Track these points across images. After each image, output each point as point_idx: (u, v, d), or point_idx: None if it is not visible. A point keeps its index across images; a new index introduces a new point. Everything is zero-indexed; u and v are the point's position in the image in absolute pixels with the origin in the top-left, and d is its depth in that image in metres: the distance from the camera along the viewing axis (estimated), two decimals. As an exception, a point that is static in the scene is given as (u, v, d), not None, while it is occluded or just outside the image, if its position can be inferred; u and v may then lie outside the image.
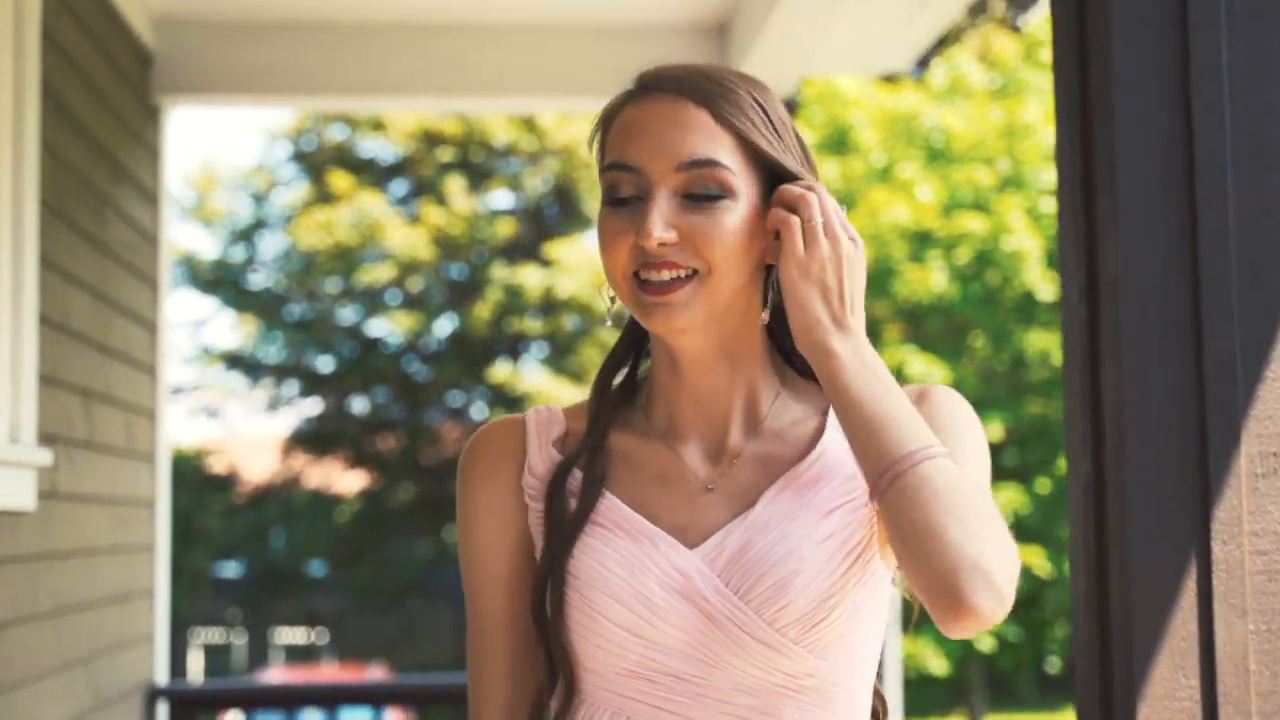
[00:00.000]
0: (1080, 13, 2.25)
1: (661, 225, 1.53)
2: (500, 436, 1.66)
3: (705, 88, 1.56)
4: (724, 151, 1.55)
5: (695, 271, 1.54)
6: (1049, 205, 13.90)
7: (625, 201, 1.56)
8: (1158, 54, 2.16)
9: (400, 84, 5.64)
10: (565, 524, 1.58)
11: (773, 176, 1.59)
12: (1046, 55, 14.93)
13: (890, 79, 15.11)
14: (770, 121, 1.59)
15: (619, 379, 1.71)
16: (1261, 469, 2.12)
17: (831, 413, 1.62)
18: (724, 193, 1.54)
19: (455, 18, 5.51)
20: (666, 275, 1.54)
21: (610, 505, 1.59)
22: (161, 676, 5.37)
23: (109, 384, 4.77)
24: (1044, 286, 13.63)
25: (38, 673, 3.98)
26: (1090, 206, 2.22)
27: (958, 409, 1.63)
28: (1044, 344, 13.80)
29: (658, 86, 1.58)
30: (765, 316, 1.61)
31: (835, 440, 1.61)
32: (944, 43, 16.04)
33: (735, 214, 1.55)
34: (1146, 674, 2.10)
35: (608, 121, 1.62)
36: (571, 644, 1.56)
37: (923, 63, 15.41)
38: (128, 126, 5.11)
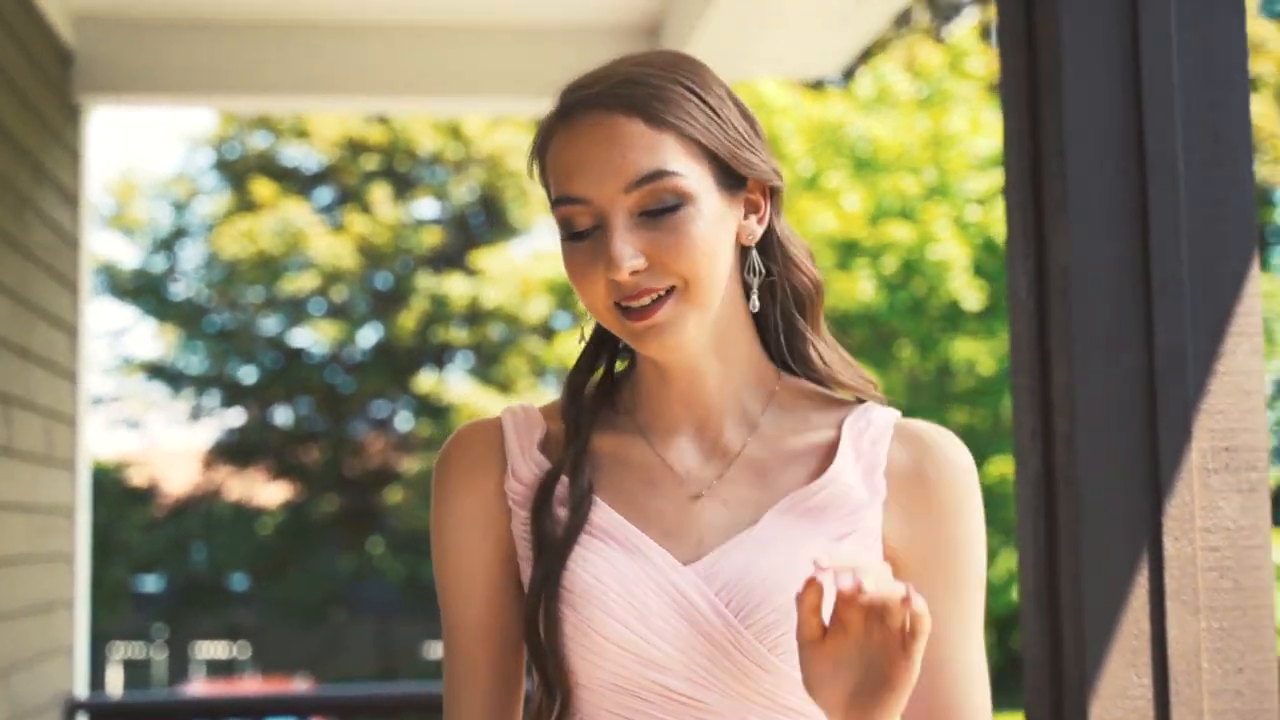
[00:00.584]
0: (1029, 4, 2.22)
1: (628, 254, 1.44)
2: (477, 441, 1.58)
3: (631, 94, 1.46)
4: (669, 157, 1.45)
5: (673, 287, 1.46)
6: (975, 214, 13.98)
7: (585, 234, 1.47)
8: (1108, 43, 2.13)
9: (326, 84, 5.56)
10: (558, 536, 1.50)
11: (723, 162, 1.50)
12: (971, 65, 15.04)
13: (819, 85, 15.16)
14: (707, 105, 1.49)
15: (595, 377, 1.63)
16: (1213, 464, 2.10)
17: (845, 432, 1.54)
18: (680, 200, 1.46)
19: (383, 18, 5.44)
20: (646, 300, 1.46)
21: (600, 513, 1.52)
22: (81, 689, 5.24)
23: (29, 389, 4.65)
24: (970, 295, 13.70)
25: (-47, 685, 3.86)
26: (1039, 197, 2.19)
27: (966, 499, 1.55)
28: (970, 352, 13.87)
29: (582, 103, 1.48)
30: (755, 304, 1.54)
31: (847, 465, 1.53)
32: (869, 53, 16.10)
33: (697, 218, 1.46)
34: (1098, 672, 2.07)
35: (542, 149, 1.53)
36: (566, 660, 1.49)
37: (847, 73, 15.47)
38: (48, 126, 5.00)
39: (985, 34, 17.60)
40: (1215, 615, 2.08)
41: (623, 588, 1.47)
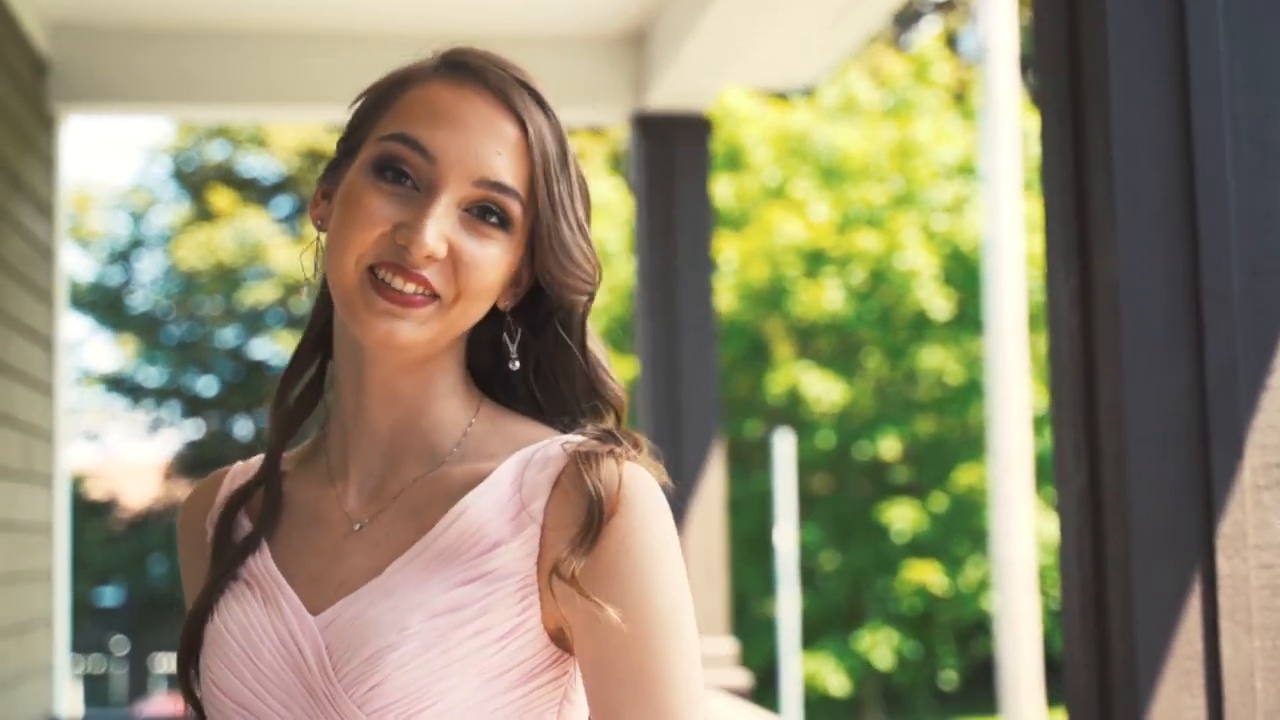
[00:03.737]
0: (1070, 12, 2.17)
1: (436, 237, 1.34)
2: (195, 498, 1.54)
3: (525, 102, 1.40)
4: (522, 183, 1.38)
5: (438, 297, 1.37)
6: (942, 223, 13.99)
7: (400, 179, 1.37)
8: (1155, 54, 2.09)
9: (297, 92, 5.50)
10: (210, 579, 1.43)
11: (539, 234, 1.41)
12: (936, 74, 15.07)
13: (782, 95, 15.15)
14: (567, 163, 1.42)
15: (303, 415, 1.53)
16: (1265, 480, 2.06)
17: (509, 462, 1.38)
18: (506, 224, 1.38)
19: (362, 27, 5.37)
20: (410, 288, 1.35)
21: (259, 559, 1.43)
22: (61, 708, 5.14)
23: (7, 404, 4.56)
24: (938, 304, 13.71)
25: (-63, 710, 3.77)
26: (1083, 212, 2.15)
27: (639, 534, 1.34)
28: (937, 361, 13.87)
29: (479, 77, 1.39)
30: (516, 363, 1.43)
31: (485, 496, 1.36)
32: (833, 62, 16.10)
33: (505, 250, 1.39)
34: (1151, 695, 2.02)
35: (401, 86, 1.42)
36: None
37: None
38: (24, 136, 4.91)
39: (949, 42, 17.64)
40: (1269, 634, 2.03)
41: (245, 639, 1.38)
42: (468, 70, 1.40)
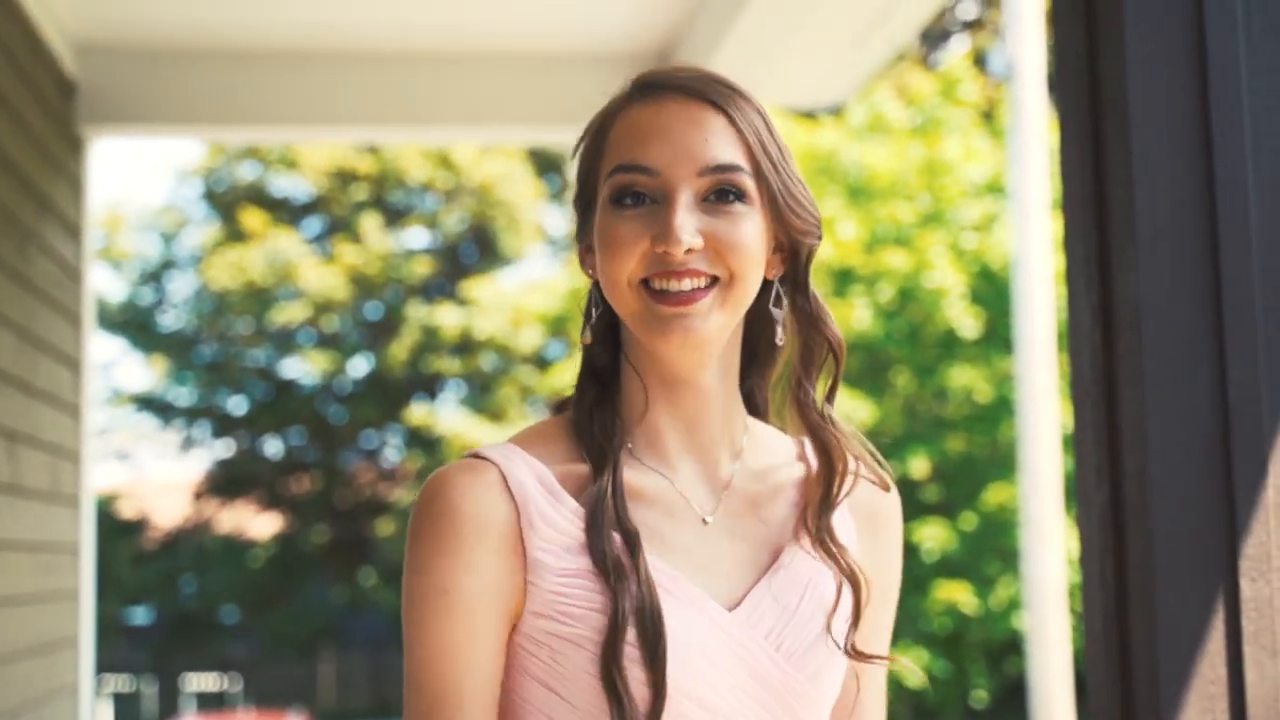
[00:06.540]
0: (1089, 25, 2.15)
1: (688, 231, 1.44)
2: (487, 491, 1.44)
3: (720, 91, 1.49)
4: (743, 157, 1.48)
5: (715, 280, 1.46)
6: (971, 241, 13.94)
7: (639, 202, 1.46)
8: (1174, 67, 2.07)
9: (326, 114, 5.51)
10: (637, 592, 1.40)
11: (772, 196, 1.51)
12: (964, 93, 15.03)
13: (809, 113, 15.13)
14: (775, 140, 1.53)
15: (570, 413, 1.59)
16: (1289, 501, 2.03)
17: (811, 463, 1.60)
18: (743, 196, 1.48)
19: (389, 46, 5.38)
20: (688, 284, 1.45)
21: (642, 557, 1.44)
22: (86, 730, 5.15)
23: (33, 425, 4.57)
24: (966, 322, 13.66)
25: (-39, 730, 3.77)
26: (1103, 228, 2.13)
27: (900, 527, 1.67)
28: (967, 380, 13.81)
29: (668, 87, 1.49)
30: (782, 337, 1.54)
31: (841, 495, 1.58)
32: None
33: (753, 221, 1.48)
34: (1174, 718, 1.99)
35: (607, 123, 1.52)
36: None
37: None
38: (51, 158, 4.93)
39: (977, 61, 17.61)
40: (1295, 658, 2.00)
41: (695, 640, 1.42)
42: (657, 86, 1.51)
